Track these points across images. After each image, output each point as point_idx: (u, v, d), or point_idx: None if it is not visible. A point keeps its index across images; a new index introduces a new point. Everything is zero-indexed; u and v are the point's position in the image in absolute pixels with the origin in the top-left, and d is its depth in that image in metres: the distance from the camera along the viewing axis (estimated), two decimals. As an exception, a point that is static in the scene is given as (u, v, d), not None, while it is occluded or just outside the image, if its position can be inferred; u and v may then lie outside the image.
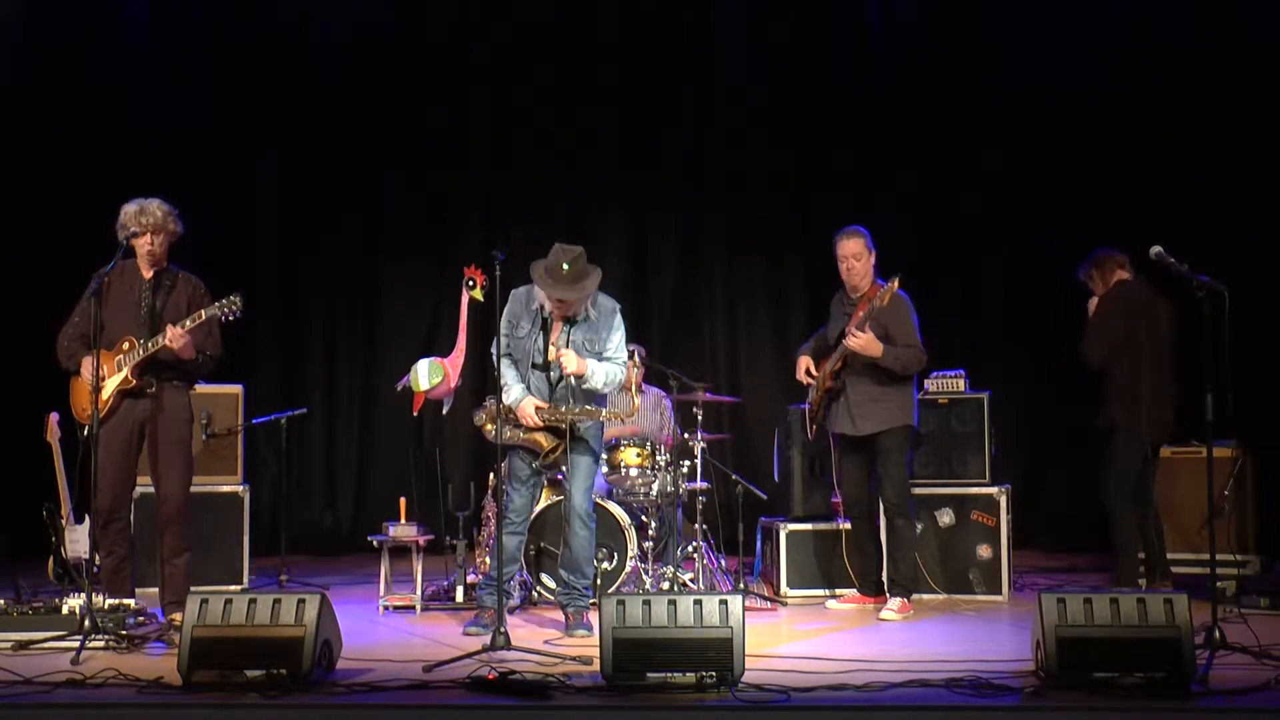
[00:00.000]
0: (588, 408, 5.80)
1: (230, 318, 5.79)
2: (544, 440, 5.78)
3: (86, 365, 5.72)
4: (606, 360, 5.78)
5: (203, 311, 5.77)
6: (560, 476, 6.19)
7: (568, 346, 5.71)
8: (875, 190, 9.23)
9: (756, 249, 9.56)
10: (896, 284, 6.08)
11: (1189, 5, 8.58)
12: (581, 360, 5.69)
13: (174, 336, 5.69)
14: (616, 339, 5.83)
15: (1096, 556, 7.91)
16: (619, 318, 5.85)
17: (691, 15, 9.53)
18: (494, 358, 5.78)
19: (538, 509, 6.52)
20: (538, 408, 5.72)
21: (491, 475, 6.73)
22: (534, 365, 5.78)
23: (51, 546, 6.82)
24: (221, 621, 4.65)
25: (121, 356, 5.77)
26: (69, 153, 8.98)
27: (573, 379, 5.71)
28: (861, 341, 6.14)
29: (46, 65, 9.04)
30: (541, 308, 5.77)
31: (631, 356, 7.38)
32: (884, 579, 6.51)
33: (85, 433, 5.70)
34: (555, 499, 6.46)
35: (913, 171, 9.28)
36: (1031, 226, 9.00)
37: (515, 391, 5.81)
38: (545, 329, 5.78)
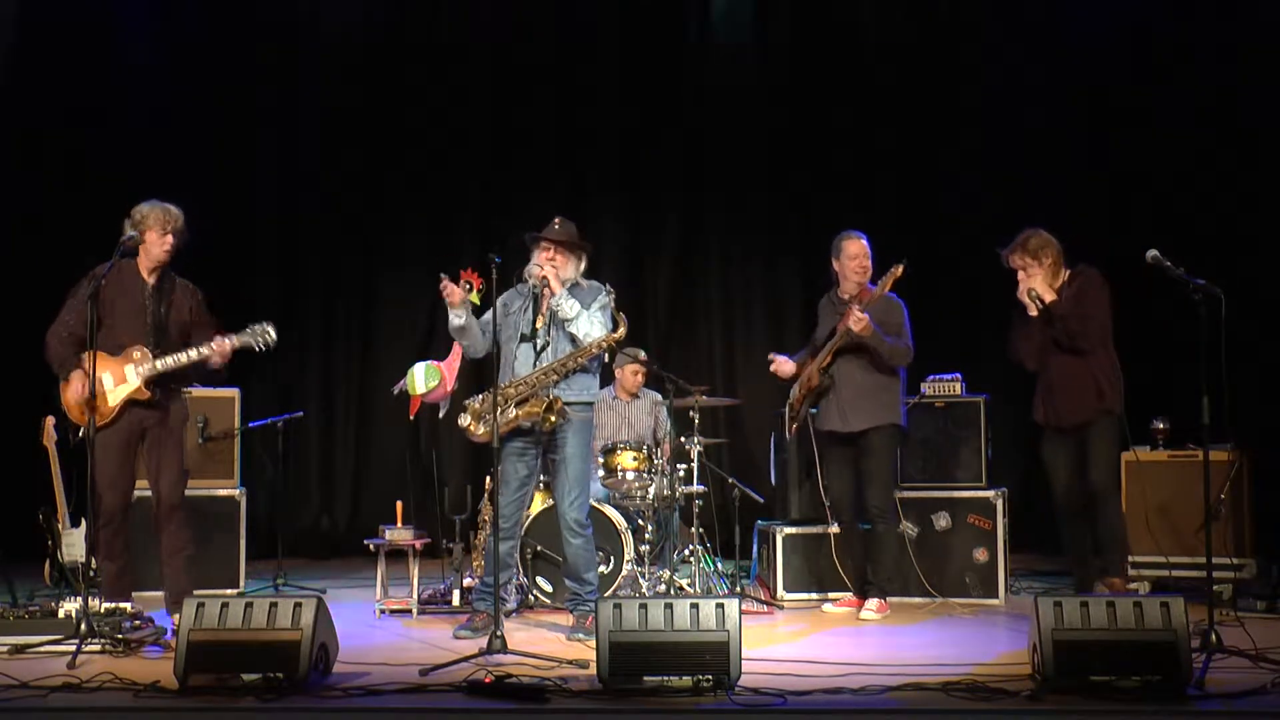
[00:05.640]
0: (570, 351, 5.83)
1: (262, 349, 5.95)
2: (531, 409, 5.75)
3: (78, 378, 5.74)
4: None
5: (237, 338, 5.90)
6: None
7: (554, 315, 5.83)
8: (874, 192, 9.24)
9: (754, 251, 9.56)
10: (901, 269, 6.16)
11: (1191, 7, 8.60)
12: (572, 300, 5.82)
13: (221, 352, 5.87)
14: (600, 306, 5.91)
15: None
16: (604, 295, 5.94)
17: (690, 17, 9.54)
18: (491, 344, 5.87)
19: (533, 513, 6.54)
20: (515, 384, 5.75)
21: (488, 479, 6.72)
22: (522, 337, 5.81)
23: (48, 550, 6.82)
24: (218, 625, 4.65)
25: (132, 365, 5.81)
26: (67, 153, 8.97)
27: (554, 338, 5.84)
28: (865, 321, 6.14)
29: (44, 65, 9.03)
30: (534, 286, 5.84)
31: (637, 360, 7.41)
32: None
33: (80, 434, 5.70)
34: (549, 503, 6.45)
35: (911, 174, 9.29)
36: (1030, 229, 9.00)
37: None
38: (535, 302, 5.85)
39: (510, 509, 5.88)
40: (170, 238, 5.88)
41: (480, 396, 5.95)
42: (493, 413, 5.52)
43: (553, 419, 5.73)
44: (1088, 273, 6.16)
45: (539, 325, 5.86)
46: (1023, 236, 6.20)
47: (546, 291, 5.85)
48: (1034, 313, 6.12)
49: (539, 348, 5.84)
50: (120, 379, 5.81)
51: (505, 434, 5.83)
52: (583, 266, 5.98)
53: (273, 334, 5.91)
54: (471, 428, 5.92)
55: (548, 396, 5.75)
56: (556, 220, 5.97)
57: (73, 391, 5.87)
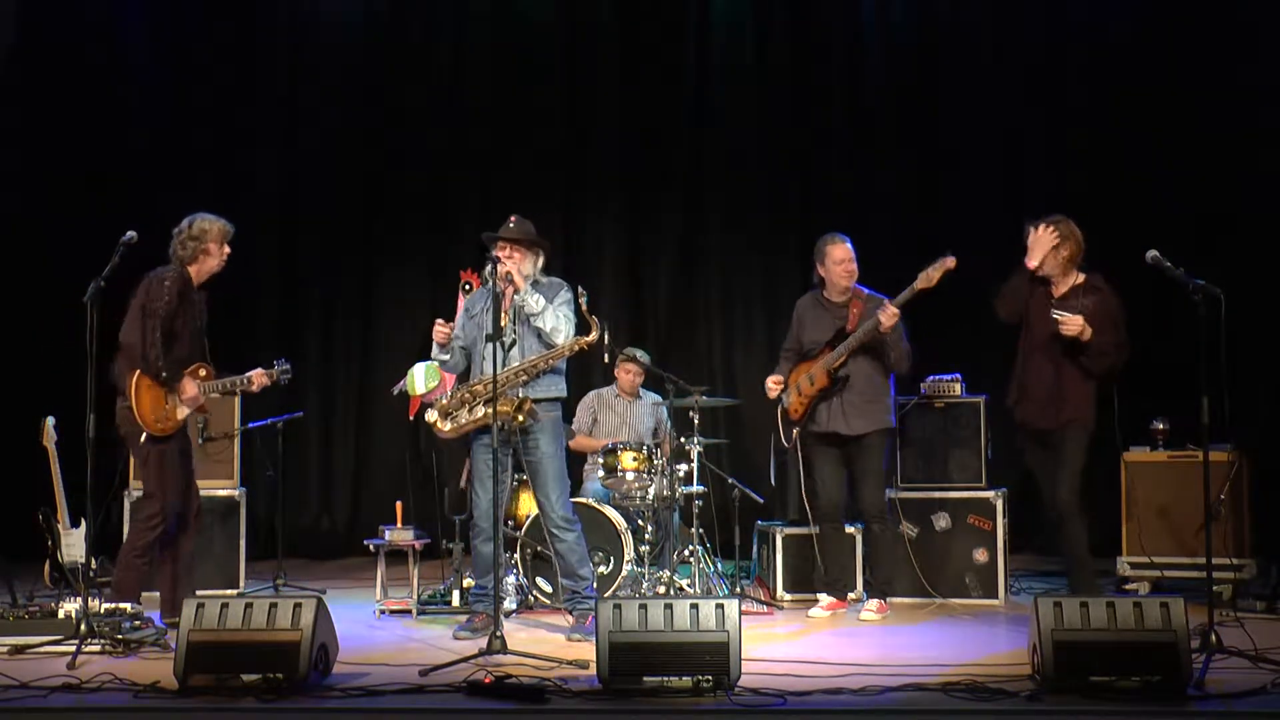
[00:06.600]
0: (541, 352, 5.87)
1: (283, 382, 6.28)
2: (500, 408, 5.71)
3: (190, 385, 5.91)
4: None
5: (273, 373, 6.15)
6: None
7: (519, 312, 5.87)
8: (872, 193, 9.24)
9: (752, 252, 9.55)
10: (954, 261, 6.17)
11: (1190, 7, 8.60)
12: (536, 294, 5.88)
13: (260, 384, 6.13)
14: (564, 301, 5.94)
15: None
16: (566, 291, 5.98)
17: (691, 19, 9.54)
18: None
19: (530, 514, 6.53)
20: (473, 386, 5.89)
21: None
22: (488, 337, 5.80)
23: (48, 550, 6.82)
24: (218, 625, 4.66)
25: (198, 382, 5.92)
26: (68, 155, 8.96)
27: (518, 335, 5.90)
28: (897, 316, 6.15)
29: (42, 66, 9.03)
30: (495, 286, 5.79)
31: (633, 360, 7.41)
32: (858, 580, 6.59)
33: (143, 439, 5.78)
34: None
35: (910, 175, 9.29)
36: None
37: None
38: (497, 302, 5.82)
39: (485, 505, 5.87)
40: (228, 250, 5.97)
41: (448, 395, 6.02)
42: (492, 410, 5.51)
43: (521, 418, 5.76)
44: (1105, 292, 5.99)
45: (504, 323, 5.85)
46: (1057, 218, 6.03)
47: (509, 289, 5.86)
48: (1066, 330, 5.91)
49: (507, 345, 5.84)
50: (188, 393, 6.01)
51: (474, 431, 5.90)
52: (540, 263, 6.01)
53: (290, 372, 6.25)
54: (438, 425, 5.98)
55: (516, 397, 5.78)
56: (512, 218, 6.02)
57: (152, 401, 5.90)
